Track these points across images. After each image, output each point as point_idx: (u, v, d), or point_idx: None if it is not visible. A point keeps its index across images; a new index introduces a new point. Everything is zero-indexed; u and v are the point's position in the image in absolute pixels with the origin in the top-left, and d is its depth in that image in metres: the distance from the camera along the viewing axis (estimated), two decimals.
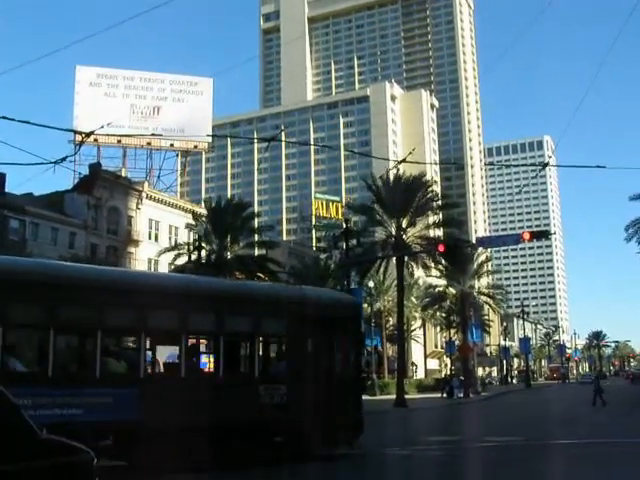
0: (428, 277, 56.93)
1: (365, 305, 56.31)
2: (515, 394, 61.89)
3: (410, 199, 41.48)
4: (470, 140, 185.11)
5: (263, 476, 13.47)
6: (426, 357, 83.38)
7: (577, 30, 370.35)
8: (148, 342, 13.56)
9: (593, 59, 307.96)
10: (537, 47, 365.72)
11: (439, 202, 44.35)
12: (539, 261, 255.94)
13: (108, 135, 61.07)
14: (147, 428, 12.53)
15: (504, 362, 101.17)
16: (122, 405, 12.56)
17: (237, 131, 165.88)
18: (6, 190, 52.21)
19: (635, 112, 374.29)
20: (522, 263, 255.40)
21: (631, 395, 50.17)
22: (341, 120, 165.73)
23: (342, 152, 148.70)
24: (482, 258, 66.30)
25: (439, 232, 45.45)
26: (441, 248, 36.45)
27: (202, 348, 15.57)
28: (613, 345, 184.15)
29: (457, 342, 68.70)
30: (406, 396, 41.29)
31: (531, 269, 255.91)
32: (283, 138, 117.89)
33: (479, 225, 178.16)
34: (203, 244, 43.41)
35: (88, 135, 13.37)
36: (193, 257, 42.87)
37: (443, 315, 73.06)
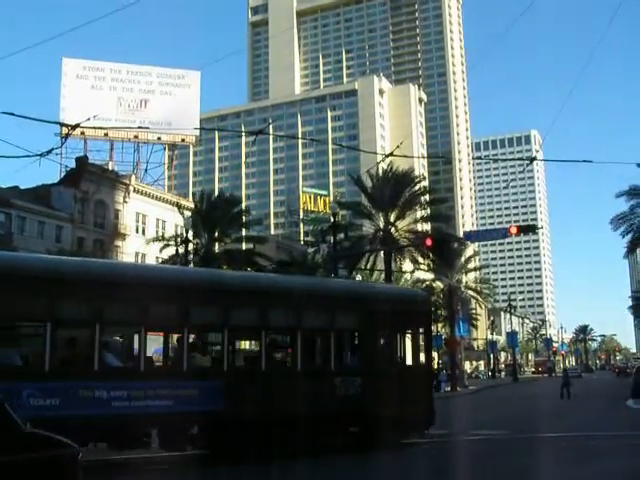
0: (416, 271, 56.84)
1: None
2: (502, 388, 62.14)
3: (399, 193, 41.45)
4: (458, 134, 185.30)
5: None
6: None
7: (565, 25, 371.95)
8: (230, 338, 14.43)
9: (581, 53, 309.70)
10: (525, 42, 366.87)
11: (427, 197, 44.35)
12: (526, 255, 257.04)
13: (95, 128, 60.60)
14: (229, 418, 13.48)
15: (491, 356, 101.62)
16: (207, 397, 13.45)
17: (225, 124, 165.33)
18: None
19: (622, 107, 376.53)
20: (509, 257, 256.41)
21: (608, 387, 50.55)
22: (329, 114, 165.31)
23: (330, 146, 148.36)
24: (469, 252, 66.44)
25: (427, 226, 45.47)
26: (428, 242, 36.44)
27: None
28: (599, 339, 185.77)
29: (444, 336, 68.80)
30: None
31: (518, 263, 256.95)
32: (271, 131, 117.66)
33: (467, 219, 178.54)
34: (190, 237, 43.20)
35: (74, 127, 13.28)
36: (181, 250, 42.65)
37: None
